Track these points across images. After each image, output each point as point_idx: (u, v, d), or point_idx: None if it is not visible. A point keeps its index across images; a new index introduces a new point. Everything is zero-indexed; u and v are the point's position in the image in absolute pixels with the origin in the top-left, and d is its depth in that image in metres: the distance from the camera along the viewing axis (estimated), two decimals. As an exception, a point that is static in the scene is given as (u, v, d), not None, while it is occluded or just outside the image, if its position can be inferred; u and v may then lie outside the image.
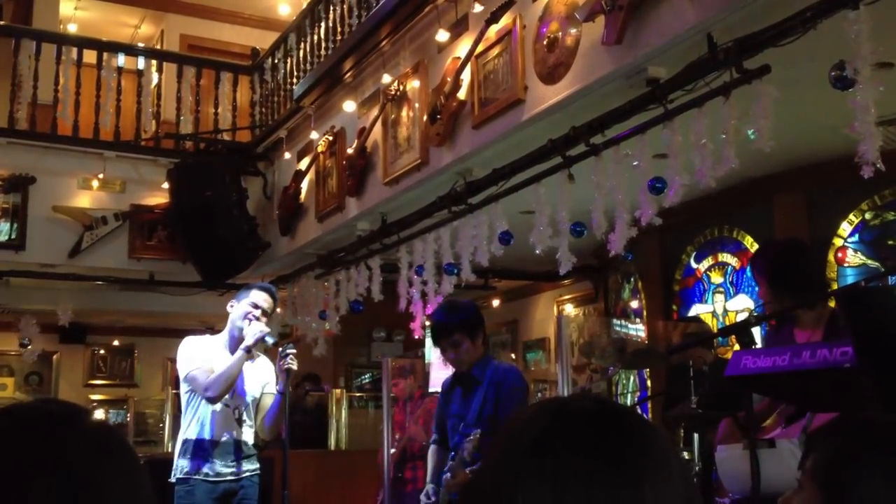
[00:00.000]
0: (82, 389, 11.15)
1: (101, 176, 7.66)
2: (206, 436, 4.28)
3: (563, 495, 0.81)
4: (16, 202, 7.34)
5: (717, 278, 6.30)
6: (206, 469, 4.25)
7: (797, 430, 3.14)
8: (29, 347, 9.57)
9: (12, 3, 10.11)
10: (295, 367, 4.22)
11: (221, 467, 4.26)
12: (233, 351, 4.30)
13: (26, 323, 8.91)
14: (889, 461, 1.35)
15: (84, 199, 7.67)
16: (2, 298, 8.45)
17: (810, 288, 3.44)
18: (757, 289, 3.71)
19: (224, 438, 4.28)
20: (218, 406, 4.27)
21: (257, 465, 4.39)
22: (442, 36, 5.12)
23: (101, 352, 11.47)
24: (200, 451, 4.27)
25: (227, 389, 4.21)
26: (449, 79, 4.99)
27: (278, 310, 7.72)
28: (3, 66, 7.63)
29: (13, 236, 7.33)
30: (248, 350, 4.24)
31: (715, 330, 5.82)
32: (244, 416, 4.36)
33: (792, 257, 3.46)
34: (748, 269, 5.79)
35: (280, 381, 4.27)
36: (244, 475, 4.31)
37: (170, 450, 7.68)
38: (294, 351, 4.23)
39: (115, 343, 11.48)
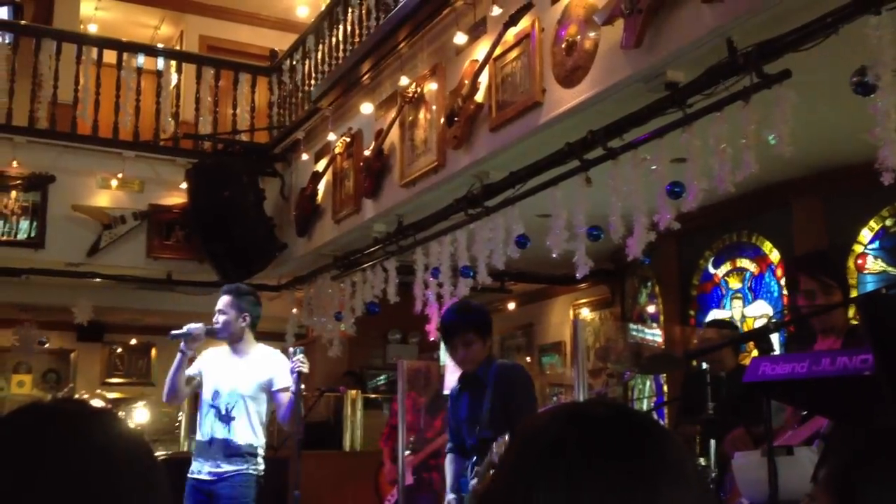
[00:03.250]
0: (99, 387, 11.19)
1: (119, 175, 7.71)
2: (201, 437, 4.46)
3: (577, 499, 0.81)
4: (35, 201, 7.39)
5: (735, 284, 6.25)
6: (195, 469, 4.44)
7: (807, 431, 3.12)
8: (46, 346, 9.66)
9: (33, 3, 10.19)
10: (305, 369, 4.32)
11: (205, 466, 4.40)
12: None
13: (26, 332, 9.05)
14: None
15: (103, 199, 7.72)
16: (21, 296, 8.50)
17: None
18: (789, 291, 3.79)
19: (211, 438, 4.42)
20: (205, 407, 4.47)
21: (244, 466, 4.38)
22: (460, 38, 5.12)
23: (119, 350, 11.52)
24: (198, 451, 4.48)
25: (169, 390, 4.54)
26: (466, 81, 4.98)
27: (294, 310, 7.79)
28: (23, 65, 7.69)
29: (33, 235, 7.38)
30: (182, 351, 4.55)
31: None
32: (234, 413, 4.41)
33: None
34: (771, 273, 5.76)
35: (292, 382, 4.34)
36: (224, 475, 4.37)
37: (185, 448, 7.73)
38: (302, 355, 4.34)
39: (133, 342, 11.51)
